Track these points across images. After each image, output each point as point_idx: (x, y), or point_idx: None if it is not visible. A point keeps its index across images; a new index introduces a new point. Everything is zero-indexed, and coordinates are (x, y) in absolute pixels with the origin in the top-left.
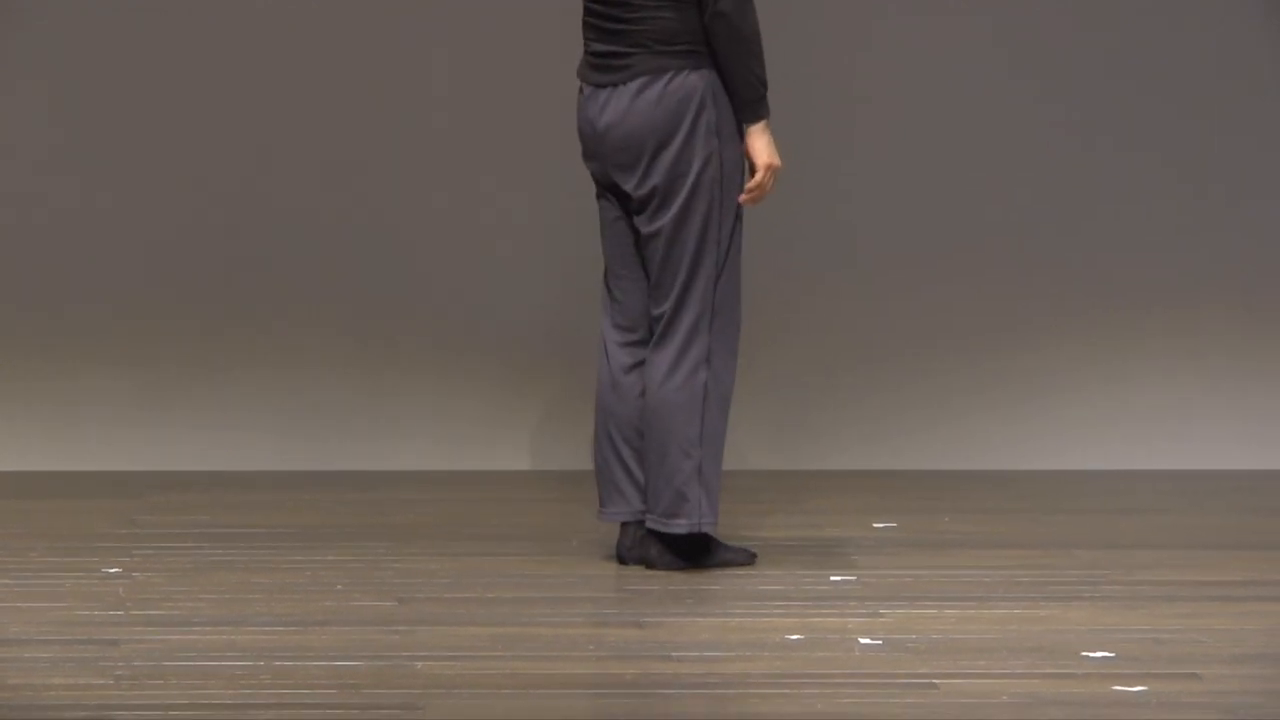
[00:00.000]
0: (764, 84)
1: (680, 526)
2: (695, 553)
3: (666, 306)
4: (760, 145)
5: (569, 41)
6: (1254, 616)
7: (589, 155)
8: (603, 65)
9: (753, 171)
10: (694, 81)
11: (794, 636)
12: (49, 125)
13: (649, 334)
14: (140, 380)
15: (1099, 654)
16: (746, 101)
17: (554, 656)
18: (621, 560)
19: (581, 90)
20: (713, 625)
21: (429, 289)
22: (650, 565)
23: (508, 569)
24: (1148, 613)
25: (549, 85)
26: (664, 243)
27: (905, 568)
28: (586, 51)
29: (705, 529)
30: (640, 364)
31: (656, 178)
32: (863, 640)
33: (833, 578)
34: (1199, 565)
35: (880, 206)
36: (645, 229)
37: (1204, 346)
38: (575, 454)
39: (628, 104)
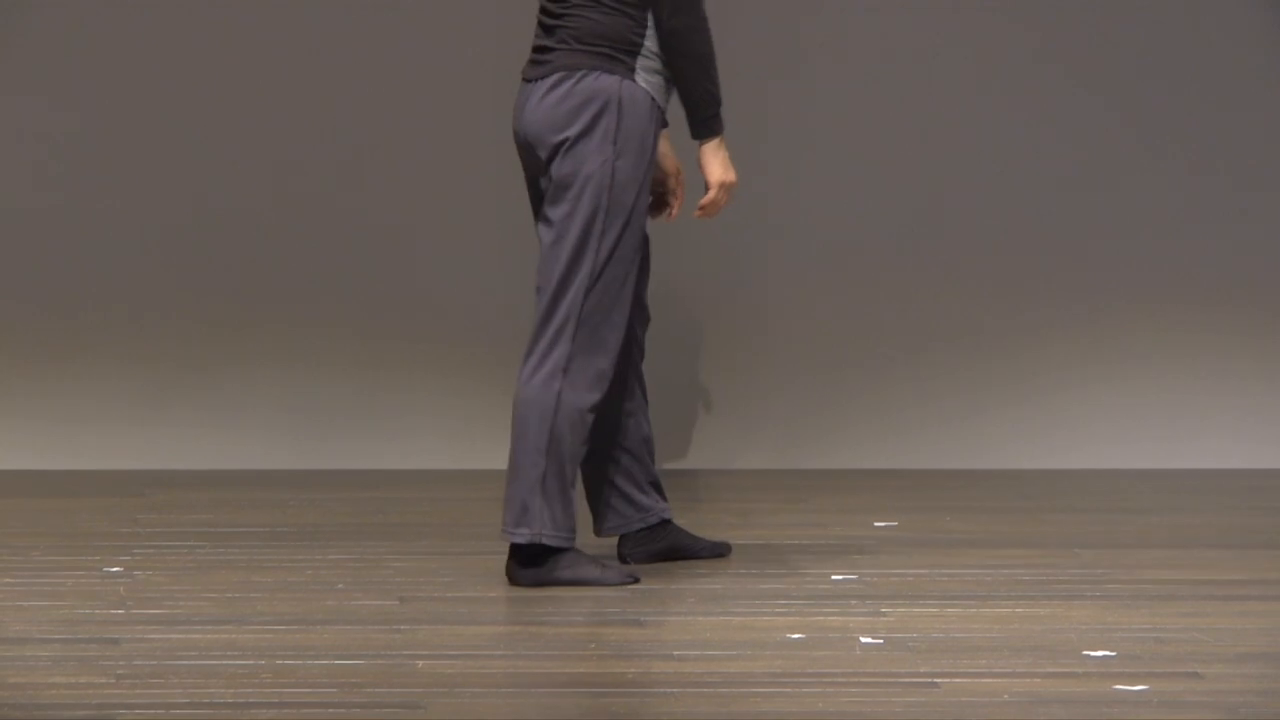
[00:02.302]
0: (718, 100)
1: (522, 536)
2: (538, 564)
3: (540, 308)
4: (714, 163)
5: None
6: (1256, 615)
7: (519, 150)
8: (534, 60)
9: (706, 186)
10: (603, 85)
11: (795, 635)
12: (49, 125)
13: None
14: (141, 379)
15: (1100, 653)
16: (700, 118)
17: (555, 655)
18: (624, 561)
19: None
20: (714, 624)
21: (430, 288)
22: (517, 583)
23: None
24: (1149, 612)
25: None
26: (545, 243)
27: (907, 567)
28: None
29: (546, 541)
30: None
31: (552, 176)
32: (864, 639)
33: (834, 577)
34: (1200, 564)
35: (882, 205)
36: (542, 224)
37: (1206, 345)
38: None
39: (538, 100)
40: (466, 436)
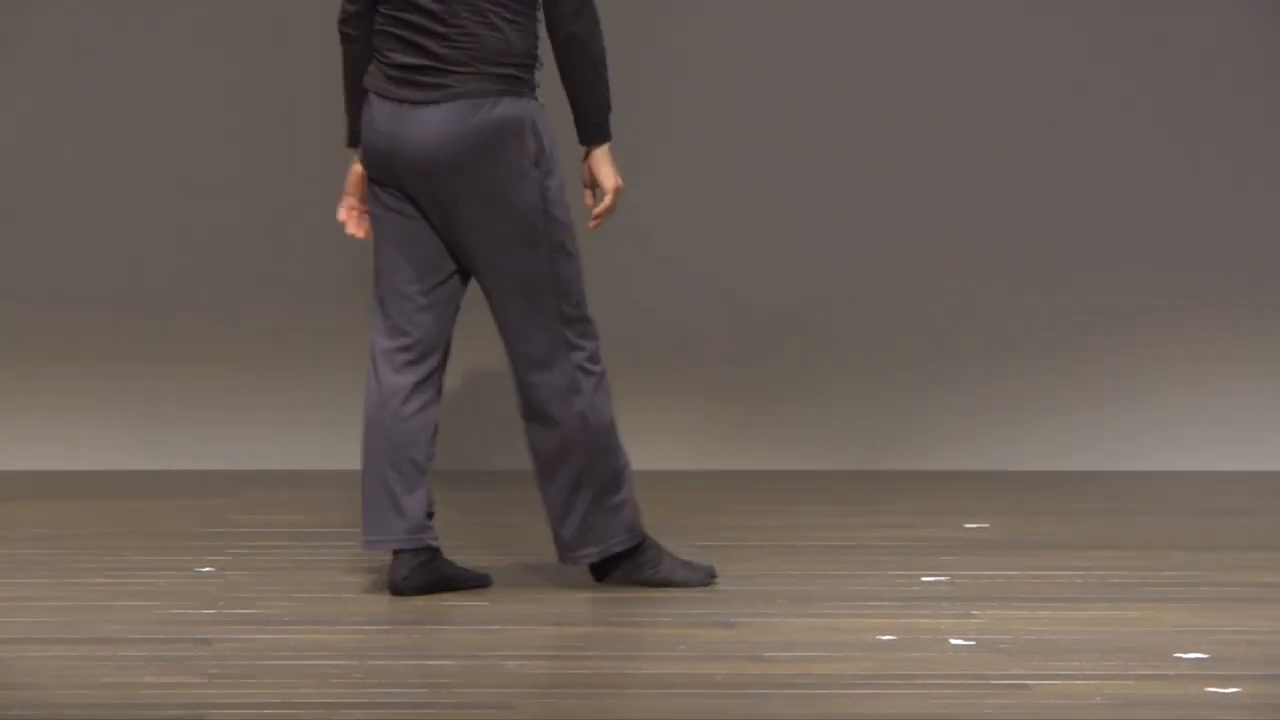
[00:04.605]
0: (609, 105)
1: (625, 542)
2: (642, 559)
3: (514, 344)
4: (607, 170)
5: None
6: None
7: (379, 170)
8: (408, 80)
9: (594, 193)
10: (516, 110)
11: (885, 637)
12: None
13: (428, 351)
14: (235, 379)
15: (1192, 655)
16: (593, 124)
17: (645, 656)
18: (398, 591)
19: (373, 103)
20: (803, 625)
21: None
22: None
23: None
24: (1241, 614)
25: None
26: (492, 282)
27: (997, 568)
28: (384, 62)
29: (641, 538)
30: (421, 383)
31: (475, 207)
32: (954, 641)
33: (924, 578)
34: None
35: (968, 207)
36: (474, 265)
37: None
38: (661, 453)
39: (442, 128)
40: None
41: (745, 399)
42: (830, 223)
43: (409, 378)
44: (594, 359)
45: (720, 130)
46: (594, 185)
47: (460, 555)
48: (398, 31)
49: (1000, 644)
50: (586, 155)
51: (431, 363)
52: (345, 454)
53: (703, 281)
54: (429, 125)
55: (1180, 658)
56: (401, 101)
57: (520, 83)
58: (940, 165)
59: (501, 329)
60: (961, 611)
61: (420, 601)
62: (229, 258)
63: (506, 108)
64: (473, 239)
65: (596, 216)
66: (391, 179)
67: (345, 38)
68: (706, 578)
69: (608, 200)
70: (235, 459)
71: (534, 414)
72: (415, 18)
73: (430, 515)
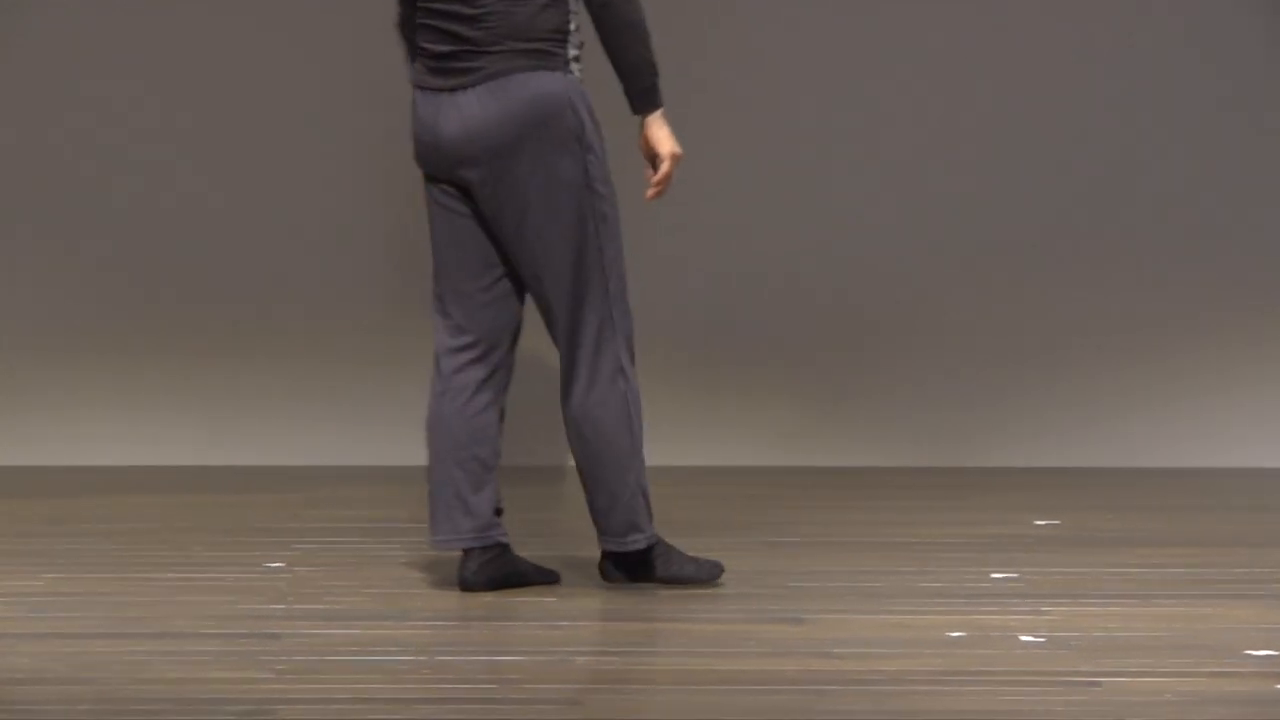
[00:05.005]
0: (656, 70)
1: (637, 542)
2: (647, 565)
3: (562, 325)
4: (661, 135)
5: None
6: None
7: (427, 163)
8: (443, 69)
9: (654, 164)
10: (551, 85)
11: (955, 634)
12: (204, 121)
13: (491, 348)
14: (302, 375)
15: (1263, 652)
16: (641, 90)
17: (714, 652)
18: (468, 587)
19: (415, 97)
20: (873, 622)
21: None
22: (604, 577)
23: None
24: None
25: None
26: (535, 262)
27: (1067, 565)
28: (423, 55)
29: (654, 541)
30: (485, 380)
31: (515, 189)
32: (1024, 638)
33: (994, 575)
34: None
35: (1037, 203)
36: (514, 246)
37: None
38: (732, 450)
39: (478, 110)
40: None
41: (816, 396)
42: (899, 221)
43: (473, 375)
44: (630, 344)
45: (789, 134)
46: (654, 157)
47: (526, 551)
48: (432, 22)
49: (1070, 641)
50: (641, 126)
51: (495, 359)
52: (415, 449)
53: (772, 281)
54: (466, 110)
55: (1251, 654)
56: (439, 90)
57: (552, 57)
58: (1011, 162)
59: (545, 312)
60: (1031, 608)
61: (489, 597)
62: (303, 255)
63: (541, 83)
64: (518, 220)
65: (655, 185)
66: (440, 171)
67: (402, 39)
68: (715, 572)
69: (665, 167)
70: (305, 454)
71: (576, 395)
72: (446, 5)
73: (499, 512)
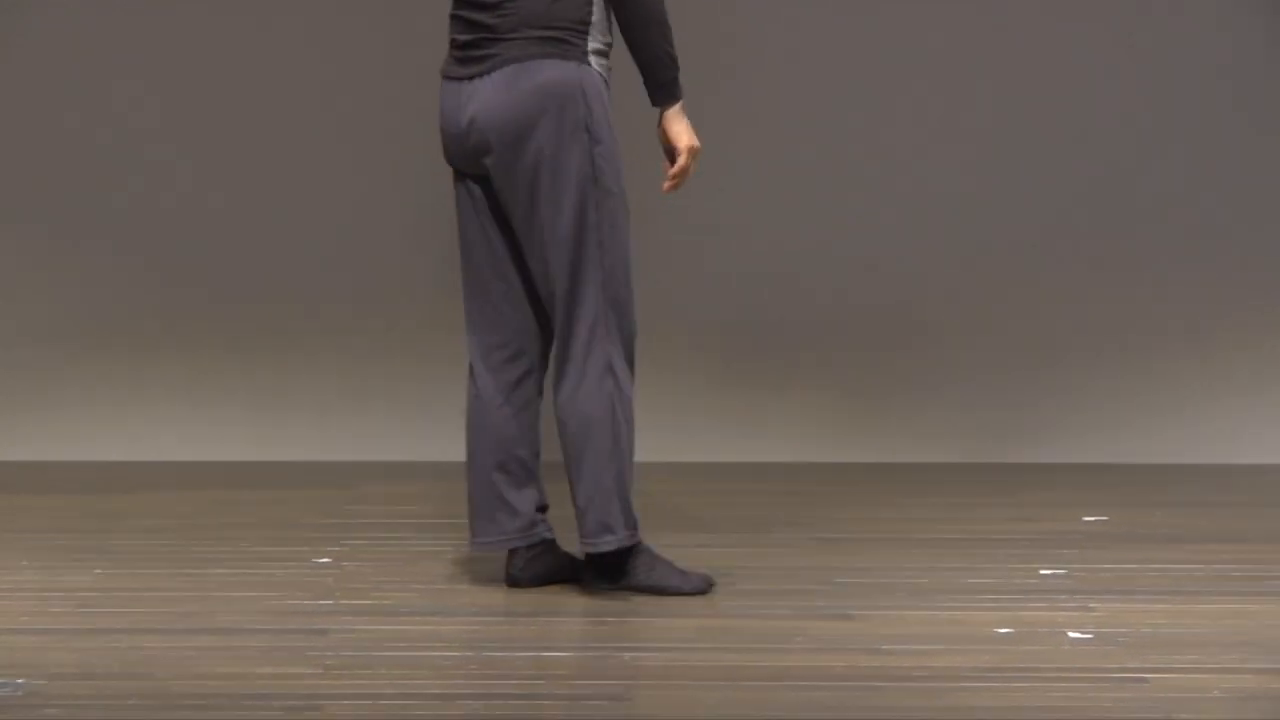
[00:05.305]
0: (676, 63)
1: (609, 544)
2: (621, 569)
3: (560, 318)
4: (679, 128)
5: None
6: None
7: (451, 154)
8: (465, 57)
9: (671, 157)
10: (562, 73)
11: (1003, 630)
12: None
13: (523, 347)
14: (350, 371)
15: None
16: (661, 83)
17: (761, 648)
18: (515, 583)
19: (441, 88)
20: (921, 618)
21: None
22: (583, 584)
23: (715, 560)
24: None
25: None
26: (538, 252)
27: (1115, 561)
28: (451, 46)
29: (629, 543)
30: (520, 380)
31: (524, 177)
32: (1072, 634)
33: (1042, 571)
34: None
35: (1091, 197)
36: (523, 237)
37: None
38: (781, 446)
39: (491, 96)
40: (682, 429)
41: (864, 392)
42: (945, 216)
43: (507, 375)
44: (629, 349)
45: (827, 130)
46: (672, 150)
47: (571, 547)
48: (459, 12)
49: (1118, 637)
50: (660, 118)
51: (529, 358)
52: (463, 444)
53: (820, 277)
54: (480, 97)
55: None
56: (461, 79)
57: (568, 46)
58: (1061, 153)
59: (549, 306)
60: (1080, 605)
61: (536, 593)
62: (350, 251)
63: (553, 70)
64: (527, 209)
65: (671, 178)
66: (463, 161)
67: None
68: (702, 586)
69: (682, 160)
70: (353, 450)
71: (564, 390)
72: None
73: (544, 508)
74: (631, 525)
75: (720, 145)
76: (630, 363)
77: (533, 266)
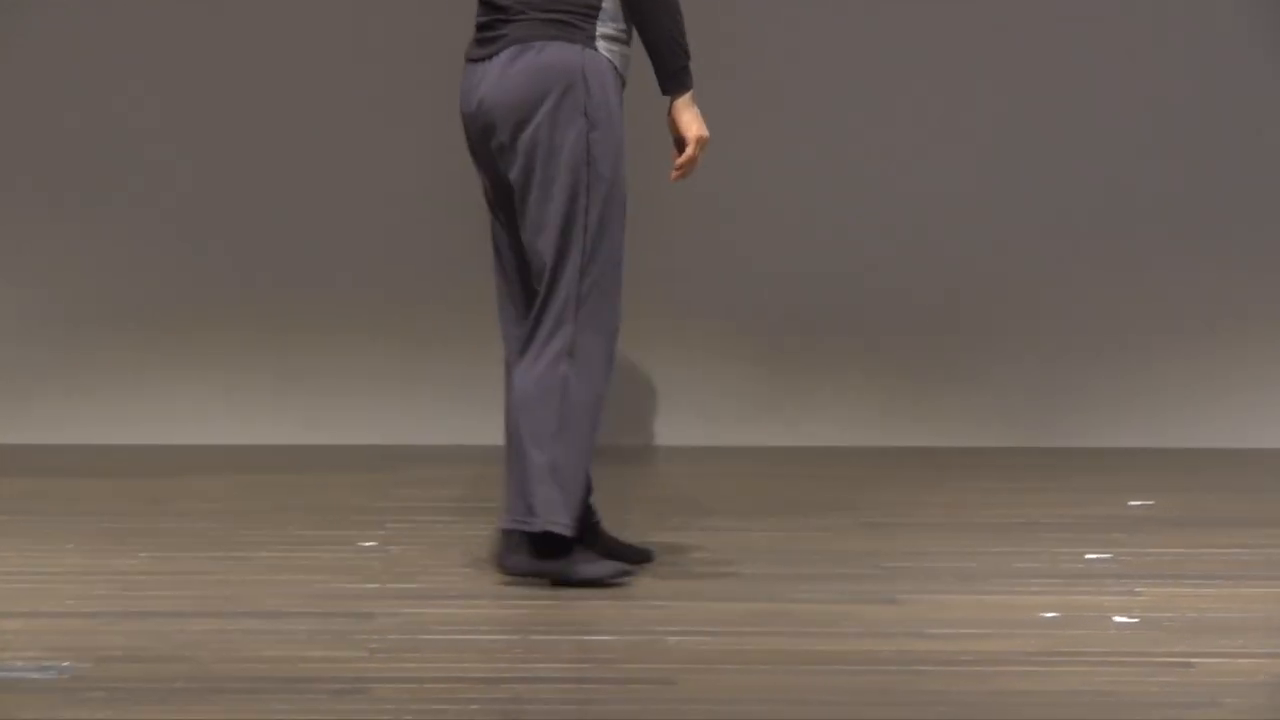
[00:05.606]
0: (687, 52)
1: (535, 524)
2: (551, 555)
3: (539, 296)
4: (688, 118)
5: None
6: None
7: (469, 137)
8: (481, 39)
9: (680, 146)
10: (565, 56)
11: (1049, 614)
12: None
13: None
14: (395, 354)
15: None
16: (671, 71)
17: (808, 633)
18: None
19: (464, 69)
20: (968, 603)
21: (684, 264)
22: (509, 570)
23: (764, 544)
24: None
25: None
26: (528, 229)
27: (1162, 546)
28: (474, 29)
29: (558, 530)
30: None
31: (521, 157)
32: (1118, 619)
33: (1088, 555)
34: None
35: (1134, 181)
36: (519, 213)
37: None
38: (829, 429)
39: (497, 77)
40: (731, 414)
41: (912, 376)
42: (993, 201)
43: (541, 360)
44: (607, 339)
45: (883, 112)
46: (681, 140)
47: (620, 529)
48: None
49: (1164, 622)
50: (669, 107)
51: None
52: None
53: (867, 262)
54: (489, 76)
55: None
56: (477, 61)
57: (574, 29)
58: (1108, 137)
59: (535, 280)
60: (1126, 589)
61: None
62: (395, 237)
63: (556, 52)
64: (522, 188)
65: (678, 168)
66: (480, 147)
67: None
68: (617, 574)
69: (689, 150)
70: (399, 434)
71: (522, 366)
72: None
73: (588, 492)
74: (562, 515)
75: (778, 136)
76: (608, 351)
77: (525, 242)
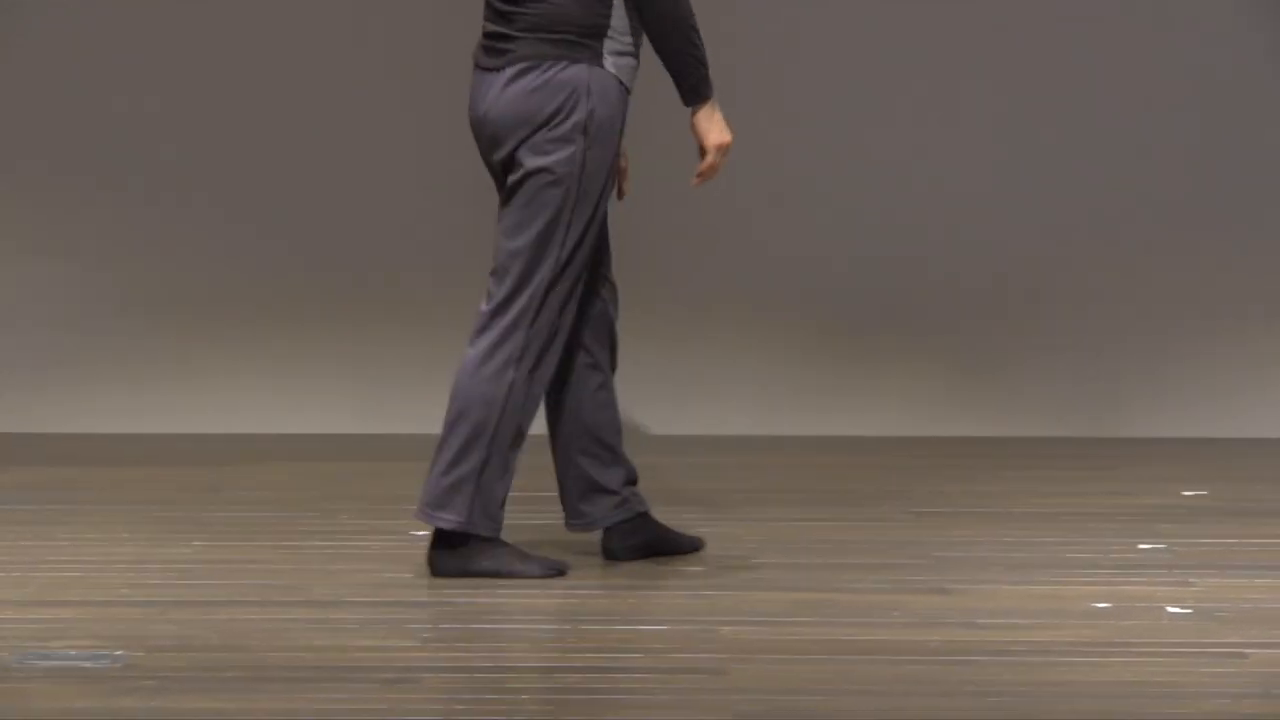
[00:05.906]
0: (704, 64)
1: (447, 521)
2: (458, 552)
3: (497, 293)
4: (706, 126)
5: None
6: None
7: (477, 140)
8: (489, 48)
9: (701, 153)
10: (571, 75)
11: (1101, 605)
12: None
13: (578, 340)
14: (449, 343)
15: None
16: (689, 85)
17: (858, 622)
18: (612, 556)
19: (473, 74)
20: (1018, 593)
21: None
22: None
23: (813, 534)
24: None
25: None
26: (508, 230)
27: (1215, 536)
28: (483, 34)
29: (475, 530)
30: (589, 366)
31: (519, 167)
32: (1171, 609)
33: (1141, 545)
34: None
35: (1190, 167)
36: (499, 207)
37: None
38: (880, 420)
39: (500, 93)
40: (783, 403)
41: (963, 366)
42: (1047, 190)
43: (573, 363)
44: (552, 340)
45: (928, 106)
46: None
47: (669, 519)
48: (491, 1)
49: (1217, 612)
50: (691, 117)
51: (587, 350)
52: None
53: (920, 252)
54: (494, 90)
55: None
56: (485, 69)
57: (580, 48)
58: (1164, 125)
59: (496, 270)
60: (1179, 579)
61: (633, 565)
62: (450, 227)
63: (561, 72)
64: (508, 189)
65: (699, 174)
66: (485, 155)
67: None
68: (549, 570)
69: (709, 158)
70: None
71: (469, 361)
72: None
73: (634, 481)
74: (484, 518)
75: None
76: (554, 352)
77: (497, 234)
